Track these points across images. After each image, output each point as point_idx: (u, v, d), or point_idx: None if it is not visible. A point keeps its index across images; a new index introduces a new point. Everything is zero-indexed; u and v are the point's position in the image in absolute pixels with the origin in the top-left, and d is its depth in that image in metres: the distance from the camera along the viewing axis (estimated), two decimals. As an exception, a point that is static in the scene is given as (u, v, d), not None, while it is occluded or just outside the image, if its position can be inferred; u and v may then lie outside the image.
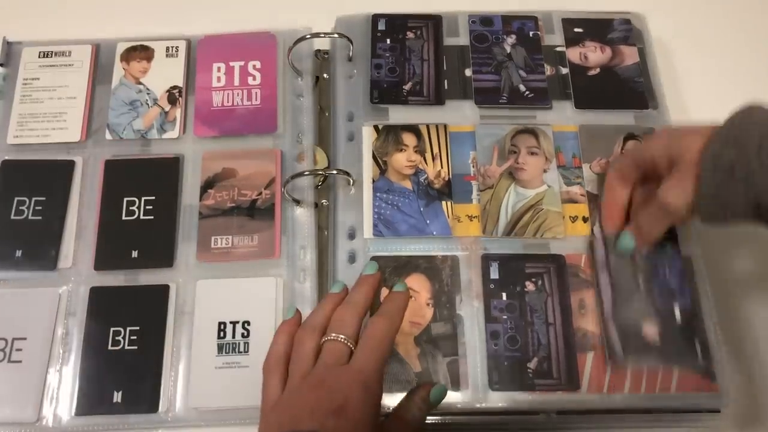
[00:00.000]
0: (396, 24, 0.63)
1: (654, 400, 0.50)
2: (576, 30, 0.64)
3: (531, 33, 0.63)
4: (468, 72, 0.61)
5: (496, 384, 0.50)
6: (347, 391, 0.40)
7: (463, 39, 0.63)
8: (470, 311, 0.52)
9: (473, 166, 0.57)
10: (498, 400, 0.50)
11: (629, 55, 0.62)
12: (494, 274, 0.53)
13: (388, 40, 0.63)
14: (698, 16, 0.70)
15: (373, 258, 0.54)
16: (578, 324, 0.52)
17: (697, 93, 0.65)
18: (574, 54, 0.62)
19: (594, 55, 0.62)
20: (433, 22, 0.64)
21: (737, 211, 0.43)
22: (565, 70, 0.61)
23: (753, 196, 0.42)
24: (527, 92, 0.60)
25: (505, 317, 0.52)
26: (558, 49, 0.63)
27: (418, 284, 0.53)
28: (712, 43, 0.68)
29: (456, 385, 0.50)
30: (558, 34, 0.63)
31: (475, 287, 0.53)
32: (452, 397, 0.49)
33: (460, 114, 0.60)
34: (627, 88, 0.61)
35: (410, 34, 0.63)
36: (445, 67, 0.61)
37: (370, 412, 0.40)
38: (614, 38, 0.63)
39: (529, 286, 0.53)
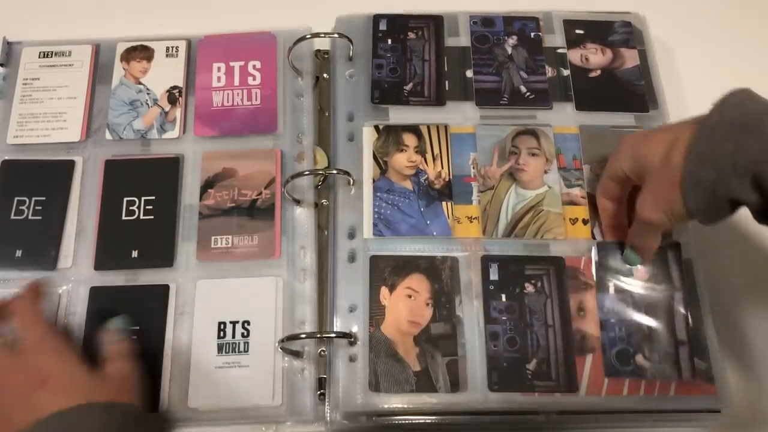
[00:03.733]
0: (397, 24, 0.63)
1: (652, 402, 0.50)
2: (577, 32, 0.63)
3: (532, 34, 0.63)
4: (469, 73, 0.61)
5: (496, 384, 0.50)
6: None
7: (464, 39, 0.63)
8: (470, 312, 0.52)
9: (473, 168, 0.57)
10: (497, 400, 0.50)
11: (630, 58, 0.62)
12: (494, 275, 0.53)
13: (390, 41, 0.63)
14: (699, 16, 0.70)
15: (373, 257, 0.54)
16: (577, 326, 0.52)
17: (698, 93, 0.65)
18: (575, 56, 0.62)
19: (595, 57, 0.62)
20: (434, 23, 0.63)
21: (730, 211, 0.43)
22: (566, 72, 0.61)
23: (739, 203, 0.42)
24: (528, 93, 0.60)
25: (504, 318, 0.52)
26: (559, 50, 0.63)
27: (418, 284, 0.53)
28: (712, 43, 0.68)
29: (455, 386, 0.50)
30: (559, 34, 0.63)
31: (474, 288, 0.53)
32: (452, 398, 0.50)
33: (461, 115, 0.59)
34: (627, 90, 0.61)
35: (411, 35, 0.63)
36: (446, 68, 0.61)
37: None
38: (615, 41, 0.63)
39: (529, 288, 0.53)
